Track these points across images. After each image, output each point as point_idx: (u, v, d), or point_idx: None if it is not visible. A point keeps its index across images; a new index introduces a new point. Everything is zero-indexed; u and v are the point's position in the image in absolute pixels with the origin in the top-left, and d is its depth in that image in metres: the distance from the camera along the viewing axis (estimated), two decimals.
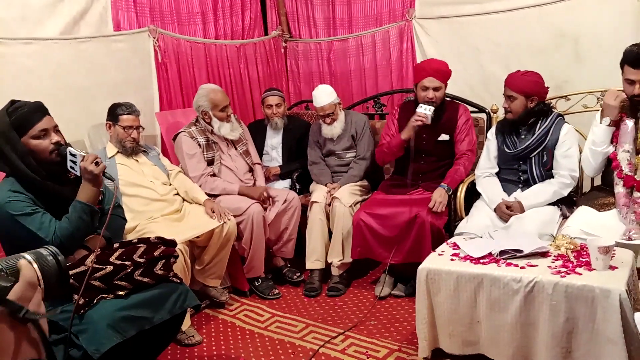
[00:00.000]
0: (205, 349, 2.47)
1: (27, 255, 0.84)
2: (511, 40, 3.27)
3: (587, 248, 1.93)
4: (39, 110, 1.87)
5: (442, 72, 2.83)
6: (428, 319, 2.07)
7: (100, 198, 1.97)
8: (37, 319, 0.69)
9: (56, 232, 1.83)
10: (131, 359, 1.93)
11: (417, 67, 3.03)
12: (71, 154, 1.87)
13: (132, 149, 2.78)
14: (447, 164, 2.93)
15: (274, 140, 3.56)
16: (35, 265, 0.83)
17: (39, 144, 1.84)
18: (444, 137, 2.91)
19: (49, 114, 1.90)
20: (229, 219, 2.79)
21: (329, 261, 3.03)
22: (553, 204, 2.52)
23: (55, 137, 1.88)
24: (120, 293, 1.76)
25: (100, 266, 1.74)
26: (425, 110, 2.75)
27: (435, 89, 2.79)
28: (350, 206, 2.99)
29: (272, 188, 3.30)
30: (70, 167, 1.89)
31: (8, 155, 1.80)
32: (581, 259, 1.93)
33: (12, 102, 1.87)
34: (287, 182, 3.49)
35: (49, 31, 2.94)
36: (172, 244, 2.01)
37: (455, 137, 2.90)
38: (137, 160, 2.82)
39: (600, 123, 2.35)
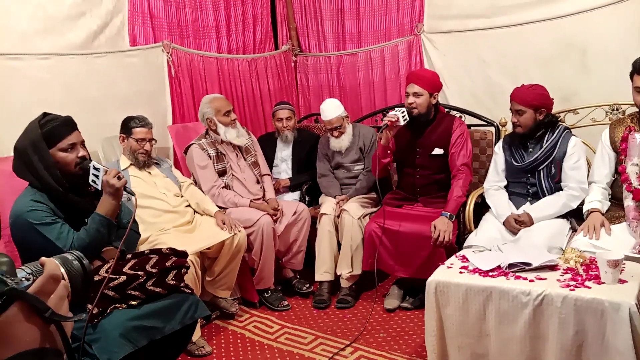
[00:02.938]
0: (215, 359, 2.49)
1: (55, 260, 0.87)
2: (518, 52, 3.28)
3: (596, 261, 1.92)
4: (69, 124, 1.94)
5: (424, 78, 2.84)
6: (437, 331, 2.07)
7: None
8: (62, 320, 0.71)
9: (74, 243, 1.87)
10: None
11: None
12: (94, 168, 1.93)
13: (144, 162, 2.83)
14: (443, 178, 2.91)
15: (284, 153, 3.60)
16: (63, 270, 0.86)
17: (65, 157, 1.90)
18: (438, 151, 2.88)
19: (77, 129, 1.97)
20: (239, 231, 2.82)
21: (338, 273, 3.04)
22: (562, 216, 2.52)
23: (81, 152, 1.94)
24: (133, 303, 1.79)
25: (114, 276, 1.77)
26: (396, 112, 2.77)
27: (415, 95, 2.81)
28: (358, 218, 3.01)
29: (282, 200, 3.33)
30: (92, 180, 1.93)
31: (35, 164, 1.86)
32: (590, 273, 1.93)
33: (45, 114, 1.93)
34: (296, 194, 3.52)
35: (69, 44, 2.99)
36: (183, 254, 2.05)
37: (450, 150, 2.87)
38: (149, 173, 2.86)
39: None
